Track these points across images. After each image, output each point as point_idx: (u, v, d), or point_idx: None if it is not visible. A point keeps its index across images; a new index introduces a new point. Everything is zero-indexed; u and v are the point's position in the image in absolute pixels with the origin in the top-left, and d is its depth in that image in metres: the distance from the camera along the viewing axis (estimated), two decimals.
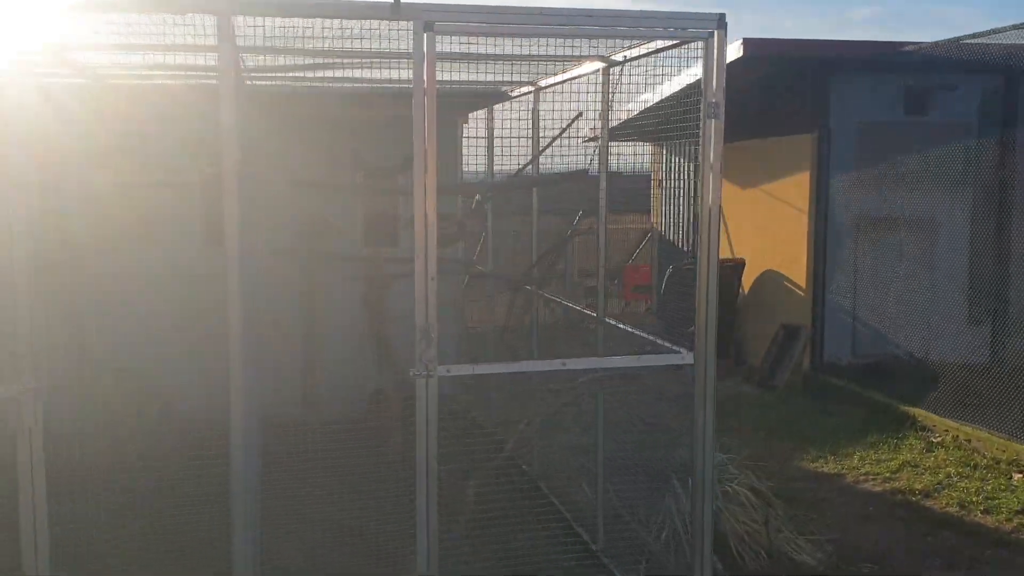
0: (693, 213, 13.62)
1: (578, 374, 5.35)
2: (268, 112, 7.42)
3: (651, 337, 4.94)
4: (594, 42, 5.38)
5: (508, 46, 5.52)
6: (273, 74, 6.44)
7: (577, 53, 5.67)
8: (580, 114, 5.91)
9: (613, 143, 6.00)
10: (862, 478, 7.44)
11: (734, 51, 9.92)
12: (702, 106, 4.37)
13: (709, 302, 4.40)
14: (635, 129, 7.48)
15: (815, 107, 10.62)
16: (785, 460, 7.91)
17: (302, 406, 8.67)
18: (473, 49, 5.77)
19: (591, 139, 7.51)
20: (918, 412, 8.80)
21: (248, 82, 6.59)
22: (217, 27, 3.72)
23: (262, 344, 7.36)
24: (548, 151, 6.65)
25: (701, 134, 4.36)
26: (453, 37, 5.32)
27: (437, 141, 3.99)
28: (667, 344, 4.66)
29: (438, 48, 5.30)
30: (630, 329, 5.34)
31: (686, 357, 4.39)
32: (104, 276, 7.29)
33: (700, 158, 4.39)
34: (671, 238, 15.06)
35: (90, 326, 7.45)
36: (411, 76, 3.98)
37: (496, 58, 5.98)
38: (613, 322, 5.58)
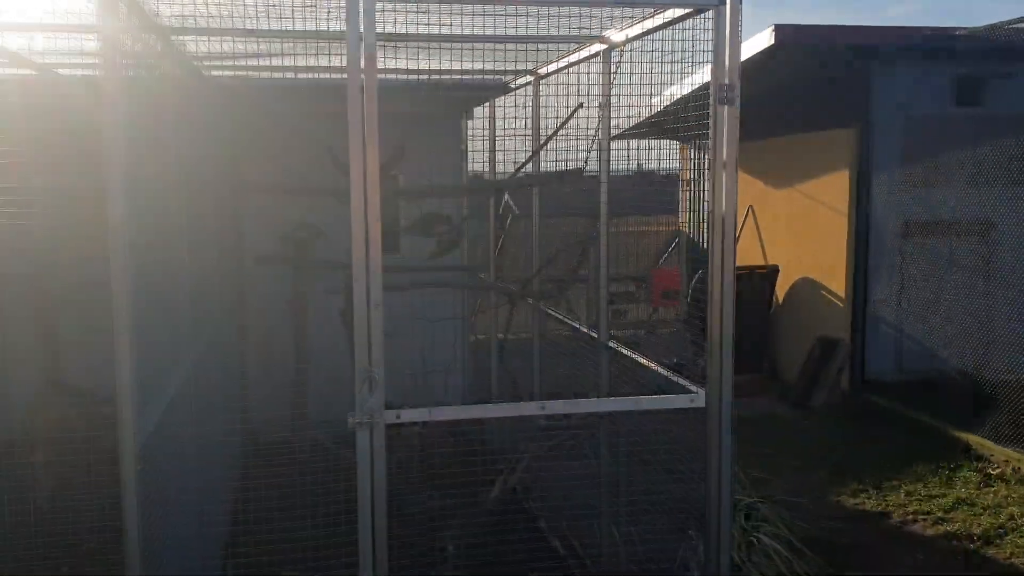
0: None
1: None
2: (227, 107, 6.74)
3: (665, 372, 4.11)
4: (593, 18, 4.60)
5: (504, 26, 4.75)
6: (225, 63, 5.71)
7: (576, 32, 4.89)
8: (581, 105, 5.10)
9: (632, 138, 5.22)
10: (910, 518, 6.54)
11: (764, 40, 9.05)
12: (711, 89, 3.56)
13: (723, 331, 3.58)
14: (654, 126, 6.64)
15: (855, 99, 9.69)
16: (822, 494, 7.02)
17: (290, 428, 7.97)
18: (458, 31, 5.02)
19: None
20: (972, 438, 7.86)
21: (205, 72, 5.87)
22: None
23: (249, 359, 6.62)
24: (556, 147, 5.85)
25: (711, 123, 3.54)
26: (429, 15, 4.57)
27: (380, 138, 3.23)
28: (681, 382, 3.83)
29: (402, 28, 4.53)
30: (638, 359, 4.52)
31: (697, 399, 3.57)
32: None
33: (711, 154, 3.57)
34: (700, 241, 14.16)
35: None
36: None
37: (485, 40, 5.20)
38: (616, 346, 4.76)
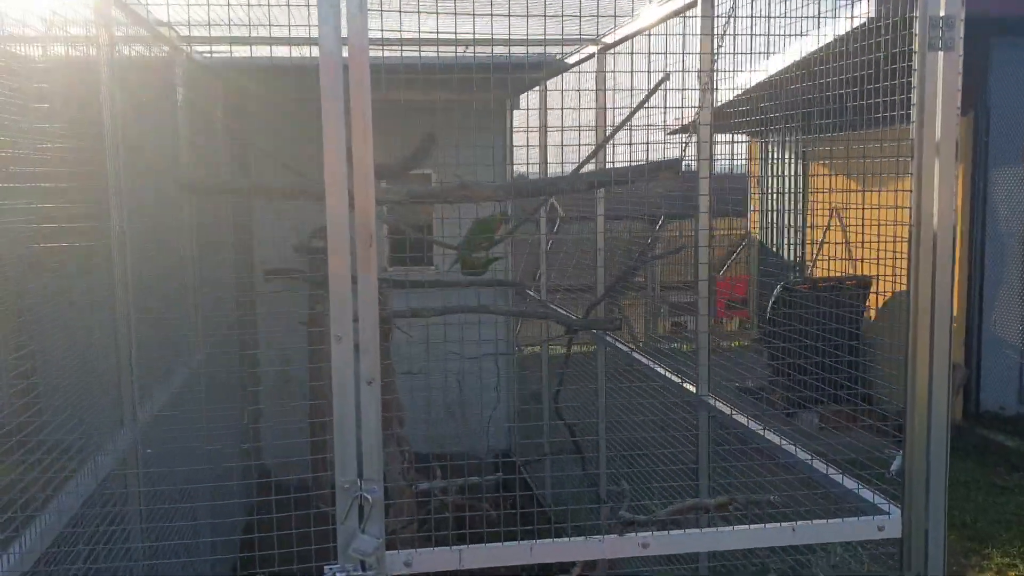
0: (802, 217, 11.31)
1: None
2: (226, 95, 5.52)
3: (822, 465, 2.76)
4: None
5: None
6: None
7: None
8: (667, 76, 3.76)
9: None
10: None
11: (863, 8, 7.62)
12: (919, 27, 2.20)
13: (934, 410, 2.23)
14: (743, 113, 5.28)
15: (969, 81, 8.20)
16: (960, 570, 5.60)
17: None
18: None
19: (678, 130, 5.38)
20: None
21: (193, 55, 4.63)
22: None
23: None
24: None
25: (915, 82, 2.19)
26: None
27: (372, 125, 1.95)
28: (862, 490, 2.46)
29: None
30: (752, 426, 3.16)
31: (889, 525, 2.20)
32: None
33: (914, 131, 2.22)
34: (773, 246, 12.73)
35: None
36: None
37: None
38: (719, 405, 3.40)
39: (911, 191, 2.32)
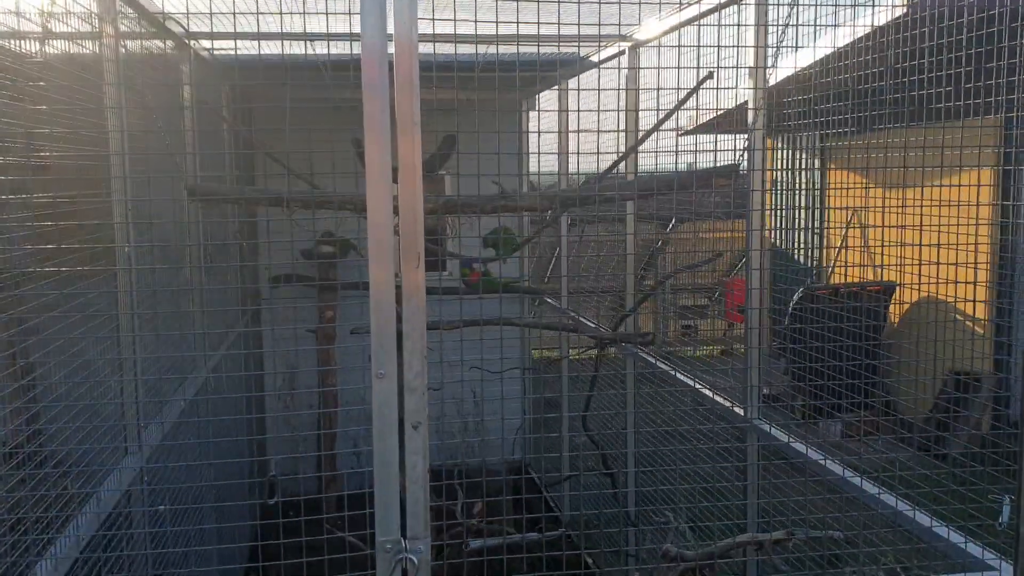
0: (819, 219, 11.03)
1: None
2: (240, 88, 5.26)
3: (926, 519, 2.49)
4: None
5: None
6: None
7: None
8: (710, 74, 3.49)
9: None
10: None
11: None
12: None
13: None
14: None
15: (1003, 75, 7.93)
16: None
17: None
18: None
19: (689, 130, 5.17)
20: None
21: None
22: None
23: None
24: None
25: None
26: None
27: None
28: (969, 544, 2.20)
29: None
30: (812, 453, 2.90)
31: None
32: None
33: None
34: (790, 249, 12.44)
35: None
36: None
37: None
38: (770, 427, 3.14)
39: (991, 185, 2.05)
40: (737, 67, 3.18)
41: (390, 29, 1.70)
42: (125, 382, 2.91)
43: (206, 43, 4.63)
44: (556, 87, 6.05)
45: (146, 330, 3.05)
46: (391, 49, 1.66)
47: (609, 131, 4.46)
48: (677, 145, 3.86)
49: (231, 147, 5.03)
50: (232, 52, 4.67)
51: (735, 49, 3.40)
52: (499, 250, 5.20)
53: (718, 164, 3.25)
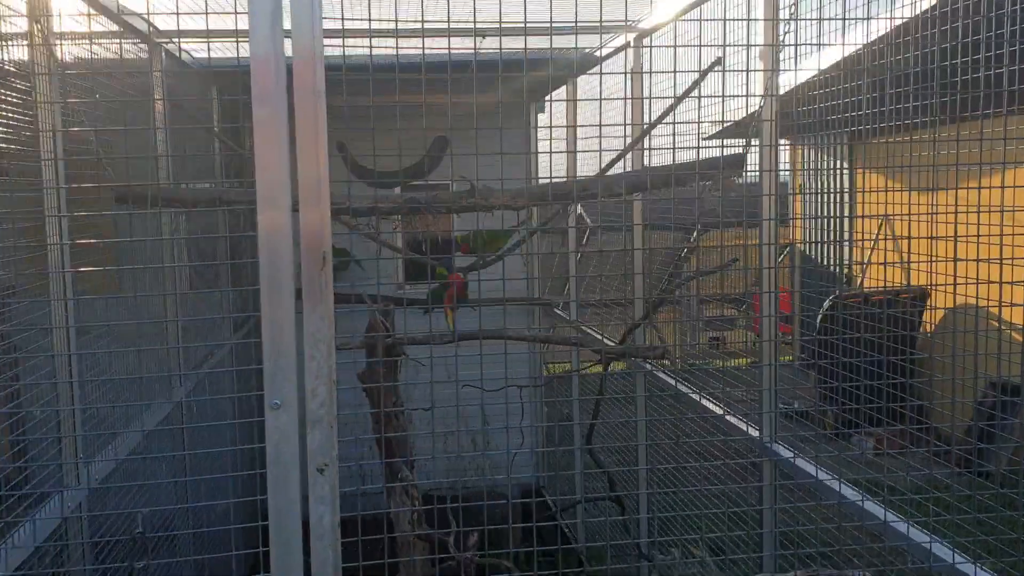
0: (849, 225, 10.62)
1: None
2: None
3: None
4: None
5: None
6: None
7: None
8: (718, 60, 3.16)
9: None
10: None
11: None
12: None
13: None
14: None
15: None
16: None
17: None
18: None
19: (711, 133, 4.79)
20: None
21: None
22: None
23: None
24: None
25: None
26: None
27: None
28: None
29: None
30: (826, 478, 2.53)
31: None
32: None
33: None
34: (820, 258, 12.02)
35: None
36: None
37: None
38: (788, 449, 2.78)
39: None
40: (748, 45, 2.84)
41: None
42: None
43: (186, 45, 4.38)
44: (565, 87, 5.74)
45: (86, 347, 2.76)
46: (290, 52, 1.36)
47: (615, 124, 4.12)
48: (674, 144, 3.51)
49: (209, 152, 4.77)
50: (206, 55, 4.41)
51: (745, 33, 3.07)
52: (479, 243, 4.80)
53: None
